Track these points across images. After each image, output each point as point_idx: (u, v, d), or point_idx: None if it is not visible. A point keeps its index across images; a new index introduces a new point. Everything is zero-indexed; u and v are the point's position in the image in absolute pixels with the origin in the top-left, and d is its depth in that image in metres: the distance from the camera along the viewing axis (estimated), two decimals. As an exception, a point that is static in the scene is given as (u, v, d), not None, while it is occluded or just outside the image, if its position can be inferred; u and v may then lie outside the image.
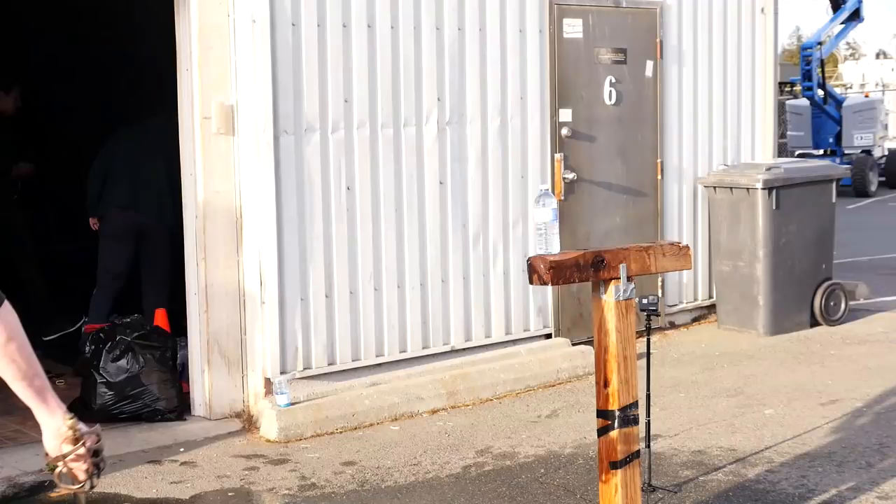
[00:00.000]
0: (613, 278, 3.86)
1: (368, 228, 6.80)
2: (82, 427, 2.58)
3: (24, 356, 2.51)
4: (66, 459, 2.56)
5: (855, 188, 22.23)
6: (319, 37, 6.54)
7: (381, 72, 6.81)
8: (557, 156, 7.79)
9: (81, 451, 2.56)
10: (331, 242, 6.64)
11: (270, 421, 6.22)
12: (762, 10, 9.21)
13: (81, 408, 6.47)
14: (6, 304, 2.50)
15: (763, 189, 8.17)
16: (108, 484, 5.45)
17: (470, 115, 7.27)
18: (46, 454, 2.59)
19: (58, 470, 2.58)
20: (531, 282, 3.79)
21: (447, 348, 7.21)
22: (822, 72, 23.43)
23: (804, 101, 23.63)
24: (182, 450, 6.05)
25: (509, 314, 7.54)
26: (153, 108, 7.82)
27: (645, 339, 5.05)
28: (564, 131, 7.87)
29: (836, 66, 54.76)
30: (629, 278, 3.88)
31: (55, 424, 2.56)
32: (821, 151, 23.36)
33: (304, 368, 6.55)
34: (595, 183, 8.10)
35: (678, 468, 5.46)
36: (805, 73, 22.39)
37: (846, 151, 23.27)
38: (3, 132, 8.34)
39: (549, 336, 7.78)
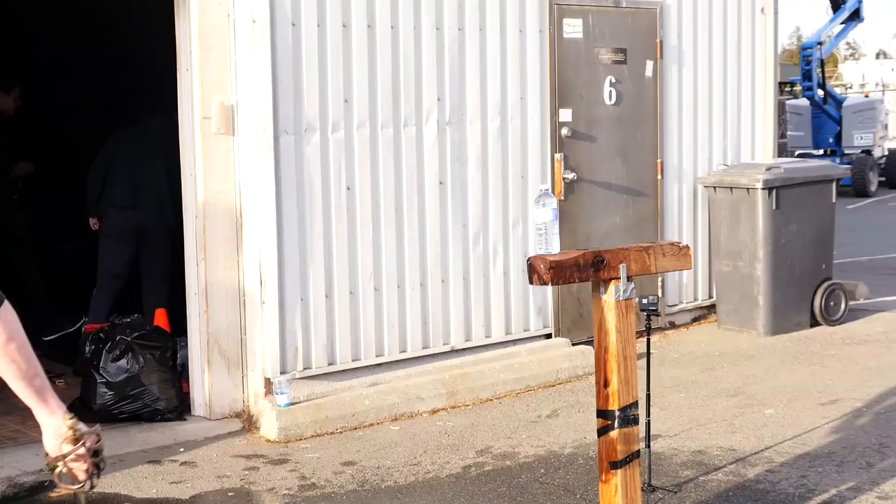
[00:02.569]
0: (613, 278, 3.86)
1: (368, 228, 6.80)
2: (82, 427, 2.58)
3: (24, 356, 2.51)
4: (66, 459, 2.56)
5: (855, 188, 22.22)
6: (319, 37, 6.54)
7: (381, 72, 6.80)
8: (557, 156, 7.79)
9: (81, 451, 2.56)
10: (331, 242, 6.64)
11: (270, 421, 6.22)
12: (762, 10, 9.21)
13: (81, 408, 6.47)
14: (6, 304, 2.50)
15: (763, 189, 8.17)
16: (108, 484, 5.45)
17: (470, 115, 7.27)
18: (46, 454, 2.59)
19: (58, 470, 2.58)
20: (531, 282, 3.79)
21: (447, 348, 7.21)
22: (822, 72, 23.42)
23: (804, 101, 23.63)
24: (182, 450, 6.05)
25: (509, 314, 7.54)
26: (153, 108, 7.82)
27: (645, 339, 5.05)
28: (564, 131, 7.87)
29: (836, 66, 54.71)
30: (629, 278, 3.88)
31: (55, 424, 2.56)
32: (821, 151, 23.36)
33: (304, 368, 6.55)
34: (595, 183, 8.10)
35: (678, 468, 5.46)
36: (805, 73, 22.39)
37: (846, 151, 23.26)
38: (3, 132, 8.34)
39: (549, 336, 7.78)
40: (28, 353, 2.53)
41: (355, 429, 6.37)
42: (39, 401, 2.55)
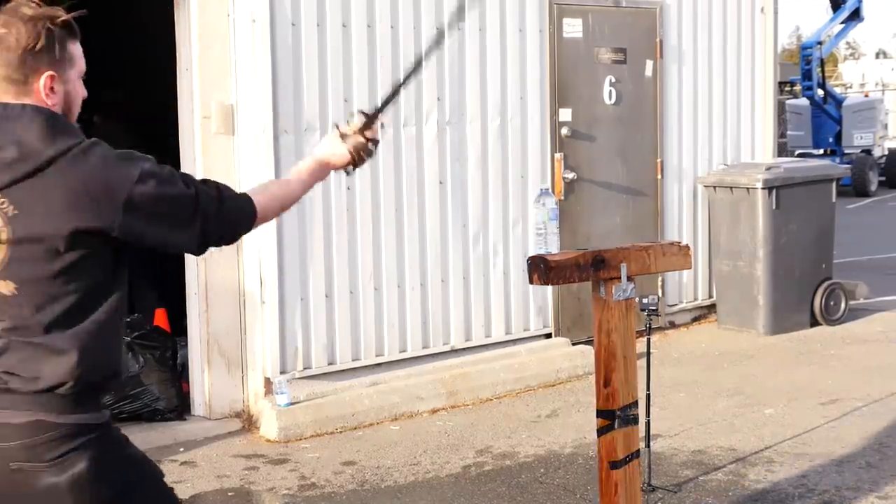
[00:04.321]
0: (613, 278, 3.85)
1: (368, 228, 6.80)
2: (342, 127, 2.97)
3: (283, 189, 2.91)
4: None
5: (855, 188, 22.22)
6: (319, 37, 6.54)
7: (382, 72, 6.80)
8: (557, 156, 7.79)
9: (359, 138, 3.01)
10: (331, 242, 6.64)
11: (270, 421, 6.22)
12: (762, 10, 9.22)
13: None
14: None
15: (763, 189, 8.17)
16: (107, 484, 5.45)
17: (470, 115, 7.27)
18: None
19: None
20: (531, 282, 3.79)
21: (447, 348, 7.21)
22: (822, 71, 23.42)
23: (804, 101, 23.62)
24: (182, 450, 6.05)
25: (509, 314, 7.54)
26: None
27: (645, 338, 5.06)
28: (564, 131, 7.87)
29: (836, 66, 54.70)
30: (629, 278, 3.88)
31: (327, 150, 2.96)
32: (821, 151, 23.36)
33: (304, 368, 6.55)
34: (595, 183, 8.10)
35: (678, 468, 5.46)
36: (805, 72, 22.38)
37: (846, 151, 23.27)
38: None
39: (549, 336, 7.78)
40: (283, 183, 2.91)
41: (355, 429, 6.37)
42: (313, 166, 2.95)
